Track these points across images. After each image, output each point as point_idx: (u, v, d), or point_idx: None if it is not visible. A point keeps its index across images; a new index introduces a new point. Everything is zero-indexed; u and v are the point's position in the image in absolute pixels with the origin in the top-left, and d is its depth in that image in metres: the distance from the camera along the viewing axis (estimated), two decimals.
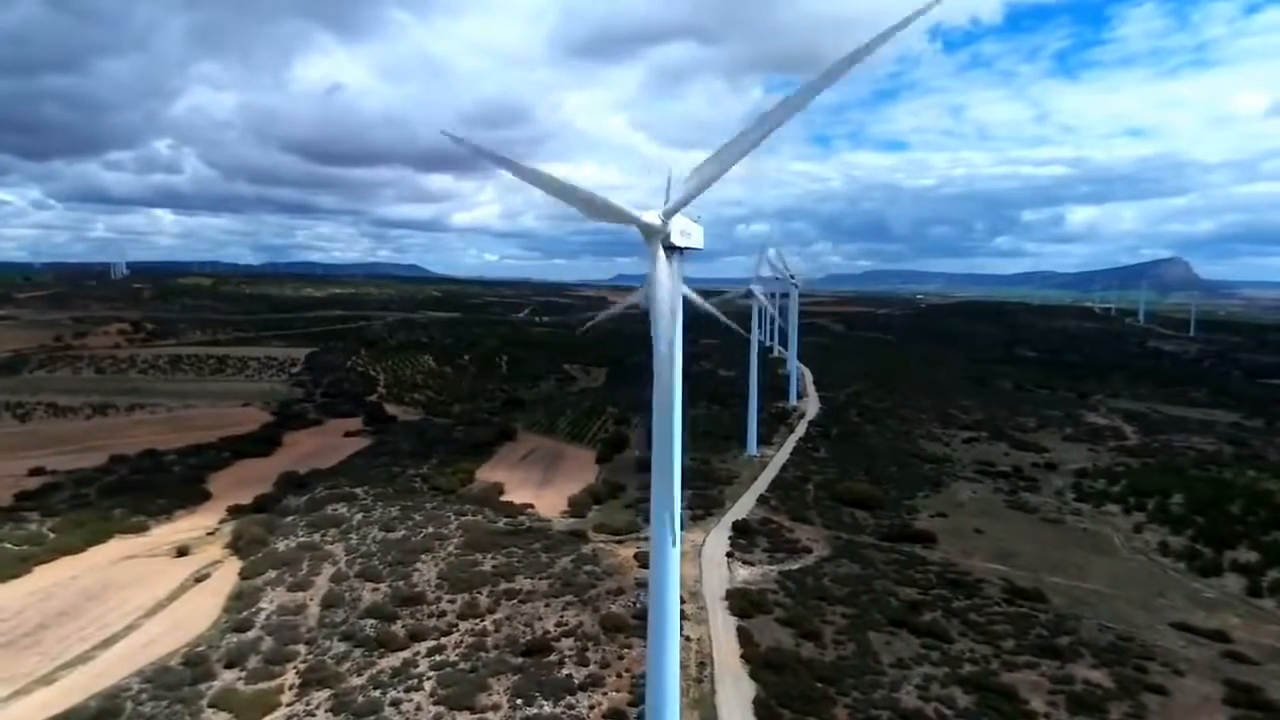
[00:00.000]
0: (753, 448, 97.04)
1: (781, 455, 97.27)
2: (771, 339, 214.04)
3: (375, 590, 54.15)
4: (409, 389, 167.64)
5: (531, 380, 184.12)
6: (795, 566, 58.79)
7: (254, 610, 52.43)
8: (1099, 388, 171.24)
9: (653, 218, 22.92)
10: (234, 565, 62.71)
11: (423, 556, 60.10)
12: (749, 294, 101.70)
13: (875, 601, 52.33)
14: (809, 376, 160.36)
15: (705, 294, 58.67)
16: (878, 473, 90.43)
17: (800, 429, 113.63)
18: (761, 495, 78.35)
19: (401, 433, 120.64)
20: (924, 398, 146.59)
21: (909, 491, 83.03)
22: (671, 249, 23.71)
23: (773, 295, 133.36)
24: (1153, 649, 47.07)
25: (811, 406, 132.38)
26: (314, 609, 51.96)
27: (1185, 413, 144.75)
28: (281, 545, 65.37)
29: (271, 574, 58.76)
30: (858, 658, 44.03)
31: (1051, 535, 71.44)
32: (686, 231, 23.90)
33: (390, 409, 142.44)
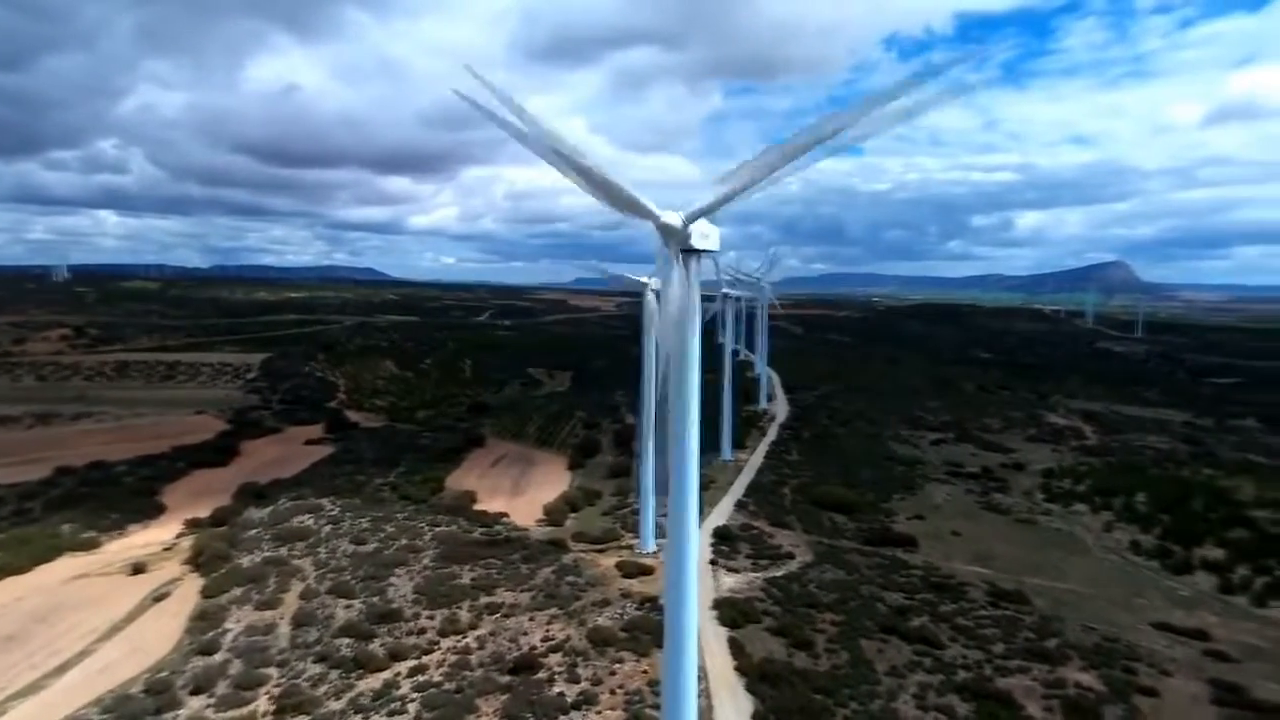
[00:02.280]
0: (727, 452, 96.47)
1: (755, 459, 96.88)
2: (738, 342, 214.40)
3: (349, 607, 51.85)
4: (370, 394, 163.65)
5: (496, 384, 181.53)
6: (780, 573, 58.05)
7: (219, 631, 49.81)
8: (1056, 388, 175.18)
9: (674, 219, 21.77)
10: (195, 583, 59.74)
11: (397, 570, 57.91)
12: (725, 297, 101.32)
13: (863, 608, 51.84)
14: (777, 380, 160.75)
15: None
16: (852, 475, 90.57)
17: (772, 432, 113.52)
18: (739, 500, 77.65)
19: (365, 440, 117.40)
20: (890, 399, 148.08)
21: (884, 494, 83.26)
22: (690, 252, 22.64)
23: (739, 299, 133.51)
24: (1138, 649, 47.42)
25: (781, 409, 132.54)
26: (284, 629, 49.54)
27: (1139, 412, 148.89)
28: (245, 560, 62.46)
29: (236, 591, 56.04)
30: (852, 667, 43.36)
31: (1026, 536, 72.17)
32: (705, 234, 22.85)
33: (352, 415, 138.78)
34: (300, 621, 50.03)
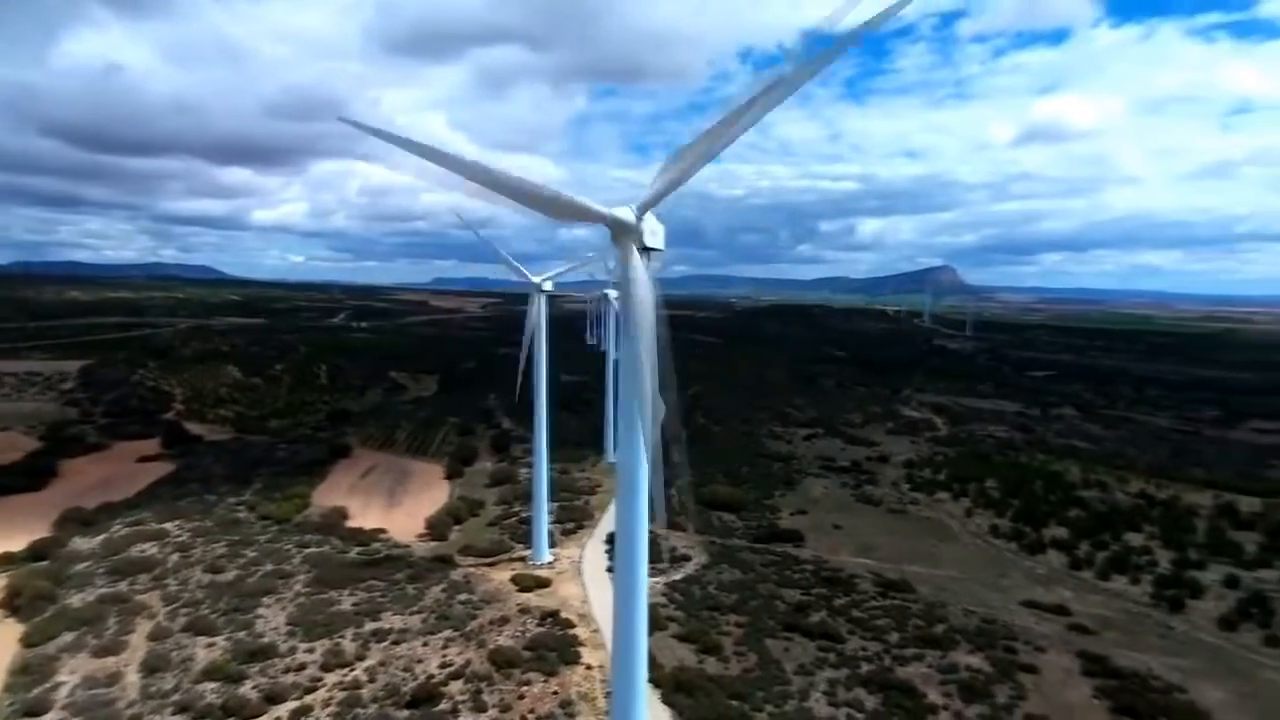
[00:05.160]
0: (610, 454, 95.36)
1: None
2: (604, 342, 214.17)
3: (211, 646, 46.12)
4: (213, 404, 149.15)
5: (357, 390, 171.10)
6: (679, 576, 57.62)
7: (49, 686, 42.69)
8: (905, 383, 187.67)
9: (626, 214, 20.20)
10: (12, 630, 51.00)
11: (265, 600, 52.35)
12: (604, 297, 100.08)
13: (764, 606, 52.31)
14: None
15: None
16: (734, 474, 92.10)
17: None
18: None
19: (211, 454, 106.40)
20: (758, 397, 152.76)
21: (766, 491, 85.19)
22: (644, 250, 21.16)
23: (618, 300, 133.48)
24: (1014, 628, 50.71)
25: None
26: (133, 677, 43.21)
27: (978, 404, 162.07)
28: (76, 600, 54.26)
29: (67, 637, 48.38)
30: (761, 668, 43.43)
31: (900, 526, 75.93)
32: (654, 230, 21.48)
33: (192, 428, 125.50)
34: (152, 667, 43.83)
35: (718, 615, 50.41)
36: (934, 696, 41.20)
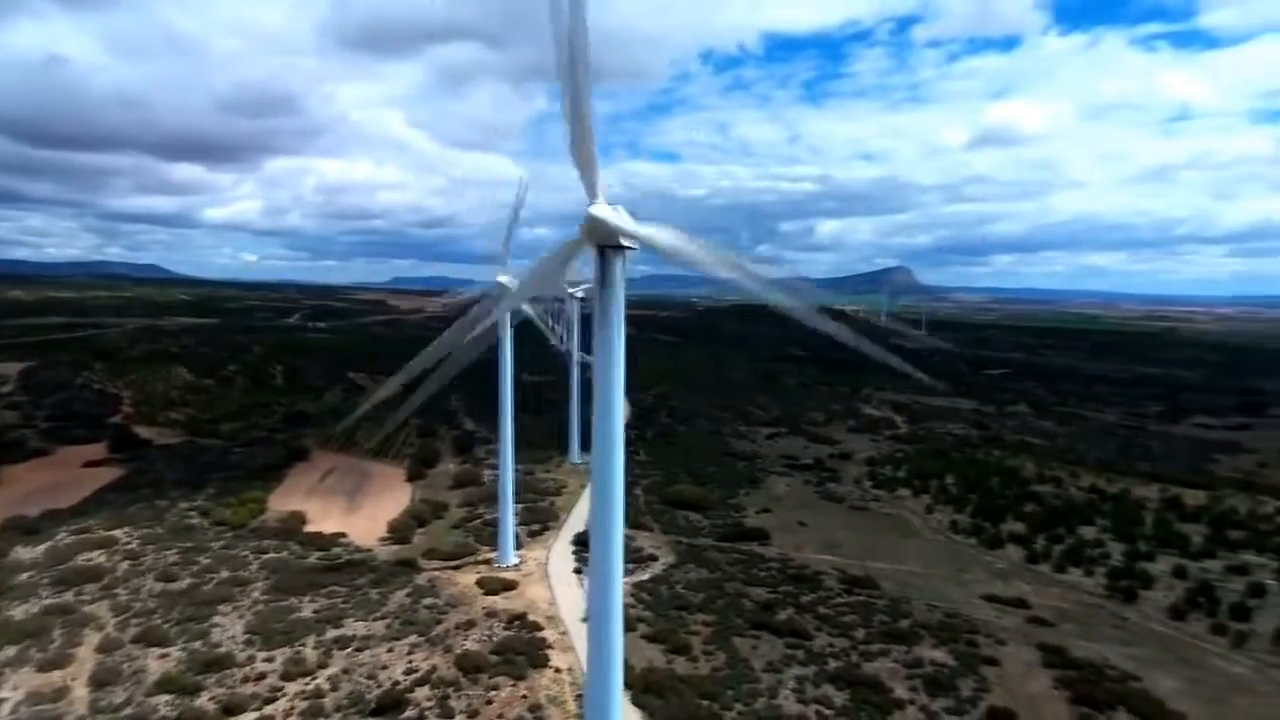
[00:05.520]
0: (575, 455, 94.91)
1: None
2: (567, 343, 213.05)
3: (164, 657, 44.57)
4: (163, 407, 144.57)
5: (314, 392, 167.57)
6: (646, 577, 57.49)
7: None
8: (865, 382, 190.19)
9: (607, 214, 19.98)
10: None
11: (221, 608, 50.83)
12: (571, 298, 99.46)
13: (731, 605, 52.45)
14: None
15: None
16: (699, 473, 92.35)
17: None
18: None
19: (162, 459, 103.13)
20: (722, 396, 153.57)
21: (731, 490, 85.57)
22: (617, 249, 20.91)
23: (584, 300, 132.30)
24: (975, 622, 51.64)
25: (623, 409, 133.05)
26: (81, 691, 41.51)
27: (937, 402, 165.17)
28: (18, 611, 52.01)
29: (10, 651, 46.27)
30: (731, 667, 43.51)
31: (863, 522, 76.93)
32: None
33: (142, 431, 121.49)
34: (102, 680, 42.18)
35: (686, 615, 50.41)
36: (900, 691, 41.71)
